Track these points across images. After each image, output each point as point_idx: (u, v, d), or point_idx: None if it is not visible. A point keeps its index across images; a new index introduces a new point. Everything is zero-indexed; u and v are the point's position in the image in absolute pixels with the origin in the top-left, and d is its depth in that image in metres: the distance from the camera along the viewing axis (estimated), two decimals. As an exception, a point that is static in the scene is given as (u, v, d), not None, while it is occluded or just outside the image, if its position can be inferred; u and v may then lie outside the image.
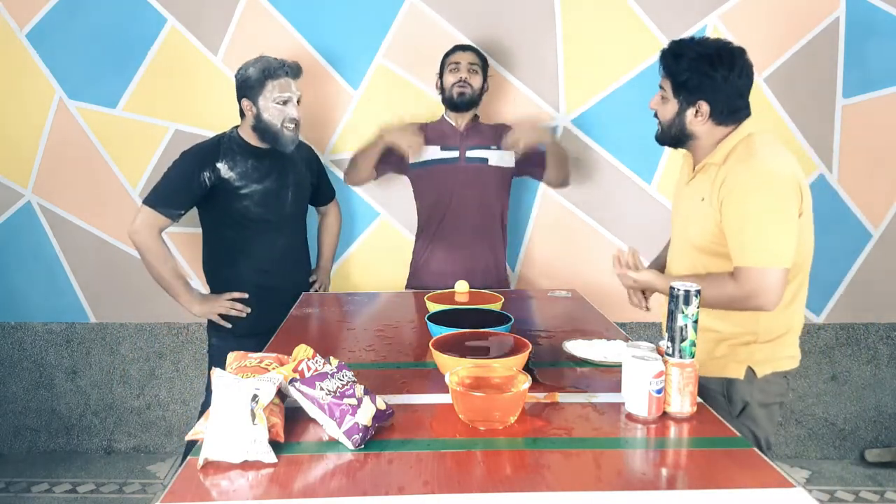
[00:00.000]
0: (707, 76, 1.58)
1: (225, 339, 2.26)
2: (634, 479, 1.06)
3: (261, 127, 2.19)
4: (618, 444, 1.17)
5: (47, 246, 2.83)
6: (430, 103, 2.59)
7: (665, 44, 2.60)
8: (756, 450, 1.14)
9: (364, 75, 2.71)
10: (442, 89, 2.47)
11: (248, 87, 2.18)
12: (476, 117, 2.50)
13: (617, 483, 1.04)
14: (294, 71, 2.21)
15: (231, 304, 2.25)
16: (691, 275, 1.66)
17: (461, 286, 2.02)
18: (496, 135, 2.46)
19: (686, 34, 2.63)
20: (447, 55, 2.47)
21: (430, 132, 2.46)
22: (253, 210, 2.22)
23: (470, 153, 2.43)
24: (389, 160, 2.45)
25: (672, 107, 1.66)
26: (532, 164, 2.45)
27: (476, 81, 2.42)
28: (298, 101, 2.22)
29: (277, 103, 2.16)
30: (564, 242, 2.81)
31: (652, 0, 2.65)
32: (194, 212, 2.28)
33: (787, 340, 1.68)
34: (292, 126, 2.20)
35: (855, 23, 2.64)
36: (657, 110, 1.72)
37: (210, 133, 2.39)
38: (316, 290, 2.52)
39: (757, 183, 1.53)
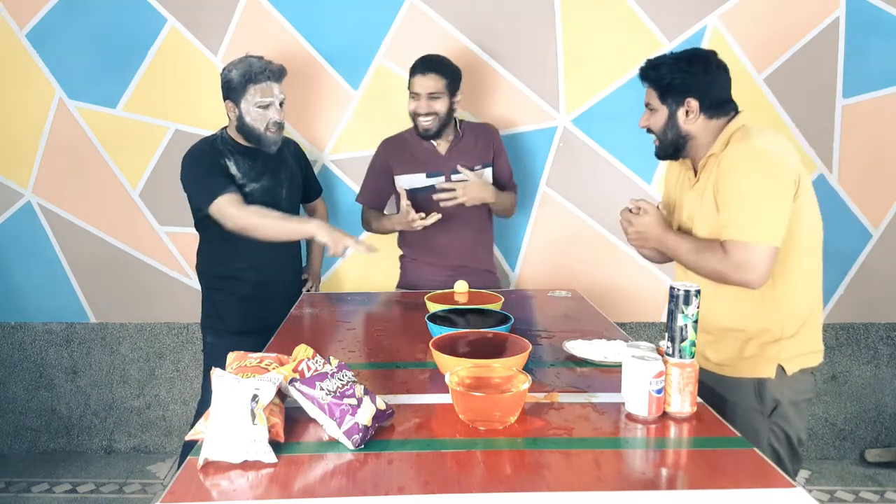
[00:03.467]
0: (688, 73, 1.67)
1: (221, 337, 2.26)
2: (634, 479, 1.06)
3: (244, 130, 2.19)
4: (618, 444, 1.17)
5: (47, 246, 2.83)
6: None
7: (665, 44, 2.64)
8: (756, 450, 1.14)
9: (364, 75, 2.71)
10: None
11: (230, 89, 2.17)
12: (458, 132, 2.41)
13: (617, 483, 1.04)
14: (276, 74, 2.18)
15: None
16: (689, 237, 1.70)
17: (460, 286, 2.02)
18: (479, 149, 2.41)
19: (686, 34, 2.66)
20: (410, 72, 2.31)
21: (411, 153, 2.40)
22: None
23: (454, 176, 2.37)
24: (386, 194, 2.48)
25: (662, 114, 1.72)
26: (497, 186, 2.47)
27: (439, 106, 2.28)
28: (282, 104, 2.20)
29: (259, 108, 2.15)
30: (564, 242, 2.81)
31: (652, 0, 2.65)
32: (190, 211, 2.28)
33: (812, 334, 1.69)
34: (275, 129, 2.19)
35: (855, 23, 2.64)
36: (648, 125, 1.77)
37: (210, 133, 2.38)
38: (308, 290, 2.52)
39: (750, 162, 1.58)
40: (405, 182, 2.40)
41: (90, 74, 2.71)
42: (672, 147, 1.75)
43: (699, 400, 1.29)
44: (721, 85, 1.69)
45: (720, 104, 1.68)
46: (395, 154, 2.42)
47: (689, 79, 1.66)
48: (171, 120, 2.74)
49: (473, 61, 2.66)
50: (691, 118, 1.68)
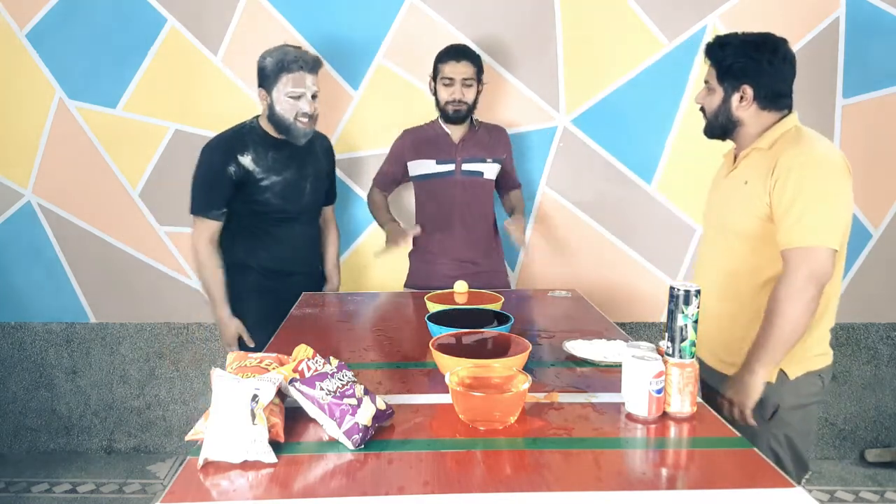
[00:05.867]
0: (751, 59, 1.62)
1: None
2: (634, 479, 1.06)
3: (274, 119, 2.19)
4: (618, 444, 1.17)
5: (47, 246, 2.83)
6: (431, 103, 2.58)
7: (665, 43, 2.64)
8: (756, 450, 1.14)
9: (364, 75, 2.71)
10: (436, 97, 2.41)
11: (263, 76, 2.17)
12: (472, 122, 2.47)
13: (617, 483, 1.04)
14: (311, 65, 2.17)
15: (248, 337, 2.26)
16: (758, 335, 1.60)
17: (460, 286, 2.02)
18: (491, 144, 2.46)
19: (686, 34, 2.66)
20: (440, 60, 2.38)
21: (426, 141, 2.44)
22: (273, 202, 2.22)
23: (466, 166, 2.41)
24: (396, 181, 2.55)
25: (718, 95, 1.68)
26: (502, 187, 2.59)
27: (470, 94, 2.37)
28: (314, 96, 2.18)
29: (290, 97, 2.14)
30: (564, 242, 2.82)
31: (652, 0, 2.65)
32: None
33: (817, 338, 1.64)
34: (305, 120, 2.17)
35: (855, 23, 2.64)
36: (703, 104, 1.74)
37: (210, 133, 2.38)
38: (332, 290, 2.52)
39: (812, 165, 1.54)
40: (416, 168, 2.44)
41: (90, 74, 2.71)
42: (721, 129, 1.71)
43: (699, 400, 1.29)
44: (782, 77, 1.63)
45: (776, 97, 1.63)
46: (410, 141, 2.48)
47: (751, 65, 1.61)
48: (171, 120, 2.74)
49: (473, 61, 2.66)
50: (744, 105, 1.64)
